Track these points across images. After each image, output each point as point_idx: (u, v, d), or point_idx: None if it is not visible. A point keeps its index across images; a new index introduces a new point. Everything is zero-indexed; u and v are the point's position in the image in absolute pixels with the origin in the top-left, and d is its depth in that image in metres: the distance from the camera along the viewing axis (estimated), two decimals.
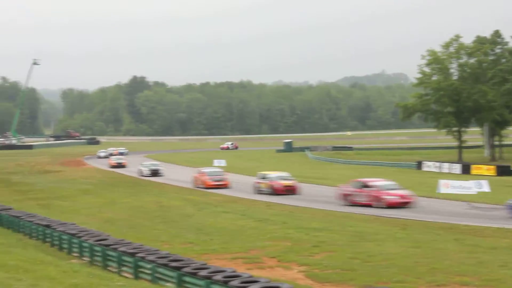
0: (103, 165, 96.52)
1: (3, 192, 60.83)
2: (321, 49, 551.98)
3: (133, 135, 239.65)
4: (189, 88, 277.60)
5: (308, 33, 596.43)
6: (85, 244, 25.31)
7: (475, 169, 78.06)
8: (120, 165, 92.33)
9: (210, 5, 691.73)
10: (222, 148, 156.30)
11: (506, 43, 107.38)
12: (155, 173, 75.30)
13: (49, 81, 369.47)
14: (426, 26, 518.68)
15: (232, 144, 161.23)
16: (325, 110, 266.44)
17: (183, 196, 52.48)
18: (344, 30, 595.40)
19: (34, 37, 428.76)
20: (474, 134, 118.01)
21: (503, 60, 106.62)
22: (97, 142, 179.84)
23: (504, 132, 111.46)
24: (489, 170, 76.94)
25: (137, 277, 20.75)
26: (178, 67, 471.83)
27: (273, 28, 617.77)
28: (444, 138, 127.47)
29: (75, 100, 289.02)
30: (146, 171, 75.77)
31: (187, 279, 18.44)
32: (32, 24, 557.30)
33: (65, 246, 27.69)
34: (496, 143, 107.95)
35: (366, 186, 44.85)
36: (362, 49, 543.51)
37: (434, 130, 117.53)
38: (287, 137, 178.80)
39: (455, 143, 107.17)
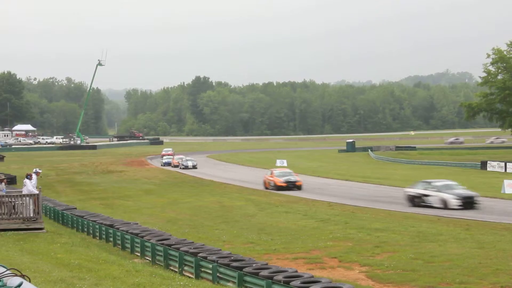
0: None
1: (68, 192, 61.79)
2: (384, 48, 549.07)
3: (195, 135, 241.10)
4: (252, 88, 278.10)
5: (371, 31, 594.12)
6: (147, 244, 25.49)
7: None
8: (292, 185, 57.45)
9: (271, 6, 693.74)
10: (164, 156, 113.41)
11: None
12: (469, 203, 40.76)
13: (114, 81, 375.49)
14: (493, 24, 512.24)
15: (172, 150, 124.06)
16: (388, 109, 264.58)
17: (245, 196, 52.59)
18: (408, 28, 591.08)
19: (99, 39, 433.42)
20: None
21: None
22: (160, 142, 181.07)
23: None
24: None
25: (198, 276, 20.83)
26: (241, 67, 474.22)
27: (335, 27, 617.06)
28: (510, 138, 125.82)
29: (138, 101, 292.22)
30: (453, 202, 40.87)
31: (248, 279, 18.43)
32: (97, 27, 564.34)
33: (127, 245, 27.96)
34: None
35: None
36: (426, 47, 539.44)
37: (499, 129, 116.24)
38: (350, 137, 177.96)
39: None
